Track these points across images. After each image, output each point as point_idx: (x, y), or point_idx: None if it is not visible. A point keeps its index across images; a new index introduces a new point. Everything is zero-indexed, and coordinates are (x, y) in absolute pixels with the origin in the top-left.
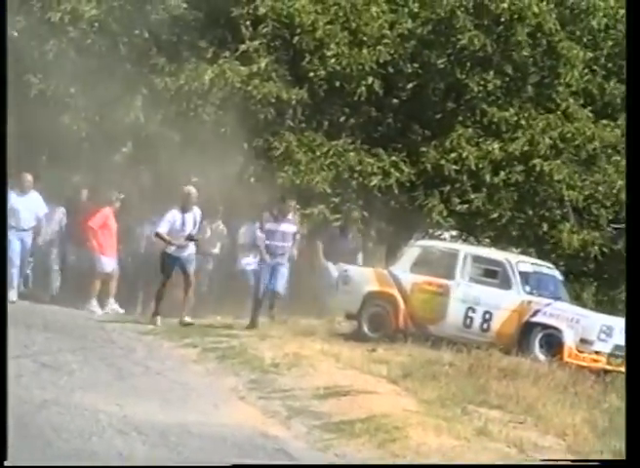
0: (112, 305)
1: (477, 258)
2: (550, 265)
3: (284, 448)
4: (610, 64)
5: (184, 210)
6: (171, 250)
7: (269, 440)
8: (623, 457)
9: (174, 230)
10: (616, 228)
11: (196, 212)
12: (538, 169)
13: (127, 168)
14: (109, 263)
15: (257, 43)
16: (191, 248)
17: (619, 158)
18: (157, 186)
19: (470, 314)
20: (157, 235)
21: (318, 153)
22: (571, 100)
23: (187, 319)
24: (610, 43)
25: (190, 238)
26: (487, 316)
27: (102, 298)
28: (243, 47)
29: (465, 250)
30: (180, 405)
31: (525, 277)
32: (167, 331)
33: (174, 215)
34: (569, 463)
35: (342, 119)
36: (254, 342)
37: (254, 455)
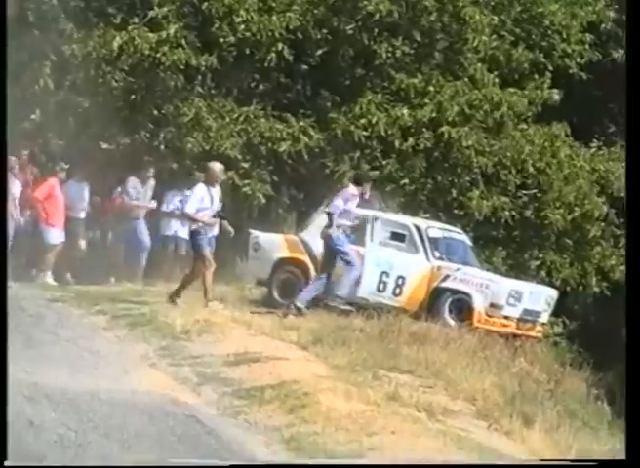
0: (47, 278)
1: (386, 222)
2: (460, 231)
3: (195, 414)
4: (517, 29)
5: (211, 185)
6: (198, 228)
7: (180, 406)
8: (534, 422)
9: (202, 207)
10: (525, 194)
11: (217, 188)
12: (446, 135)
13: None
14: (57, 235)
15: (165, 9)
16: (215, 228)
17: (525, 126)
18: (67, 154)
19: (384, 278)
20: (185, 214)
21: (228, 119)
22: (478, 66)
23: (213, 304)
24: (518, 7)
25: (219, 215)
26: (400, 281)
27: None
28: (152, 13)
29: (374, 214)
30: (91, 372)
31: (435, 242)
32: (76, 298)
33: (201, 191)
34: (568, 463)
35: (252, 85)
36: (164, 309)
37: (164, 422)
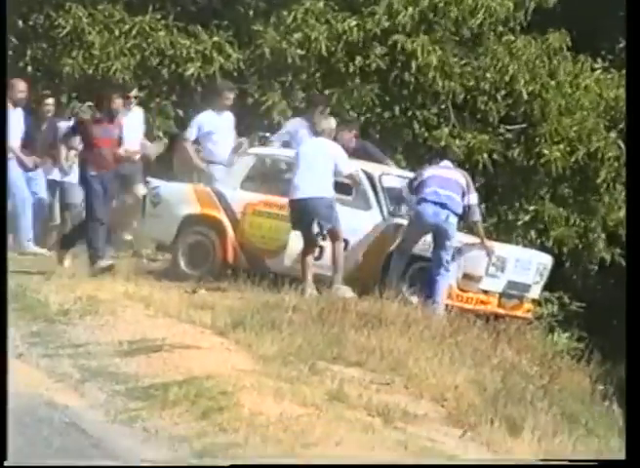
0: None
1: None
2: None
3: (76, 421)
4: None
5: None
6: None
7: (57, 411)
8: (522, 429)
9: None
10: (509, 129)
11: None
12: (399, 48)
13: None
14: None
15: None
16: None
17: (512, 38)
18: None
19: (320, 242)
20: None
21: (117, 32)
22: None
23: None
24: None
25: None
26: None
27: None
28: None
29: None
30: None
31: (391, 194)
32: None
33: None
34: (568, 463)
35: None
36: (35, 283)
37: (37, 430)
